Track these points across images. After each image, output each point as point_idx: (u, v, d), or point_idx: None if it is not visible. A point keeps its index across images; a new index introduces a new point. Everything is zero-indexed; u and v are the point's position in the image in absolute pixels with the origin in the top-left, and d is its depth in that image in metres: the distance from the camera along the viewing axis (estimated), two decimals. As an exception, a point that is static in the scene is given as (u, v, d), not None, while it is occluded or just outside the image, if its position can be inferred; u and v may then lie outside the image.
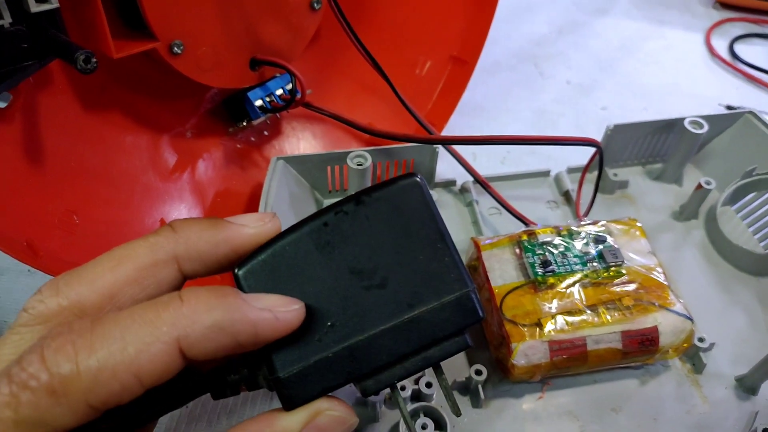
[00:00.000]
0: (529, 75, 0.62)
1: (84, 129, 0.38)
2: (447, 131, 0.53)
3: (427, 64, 0.52)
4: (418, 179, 0.22)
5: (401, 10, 0.50)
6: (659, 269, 0.41)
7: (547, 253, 0.41)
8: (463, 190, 0.49)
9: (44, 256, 0.32)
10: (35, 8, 0.30)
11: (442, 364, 0.23)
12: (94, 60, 0.31)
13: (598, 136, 0.48)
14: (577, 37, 0.67)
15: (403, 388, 0.37)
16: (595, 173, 0.47)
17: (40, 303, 0.19)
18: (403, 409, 0.23)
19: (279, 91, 0.44)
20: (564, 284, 0.40)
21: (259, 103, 0.43)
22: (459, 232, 0.47)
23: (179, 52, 0.38)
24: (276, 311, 0.20)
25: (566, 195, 0.49)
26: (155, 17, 0.36)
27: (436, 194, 0.48)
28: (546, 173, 0.51)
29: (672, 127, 0.49)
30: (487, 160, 0.49)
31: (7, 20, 0.29)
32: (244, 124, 0.46)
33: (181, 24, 0.37)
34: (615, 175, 0.49)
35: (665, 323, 0.39)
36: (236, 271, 0.21)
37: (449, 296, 0.22)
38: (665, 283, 0.40)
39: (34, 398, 0.17)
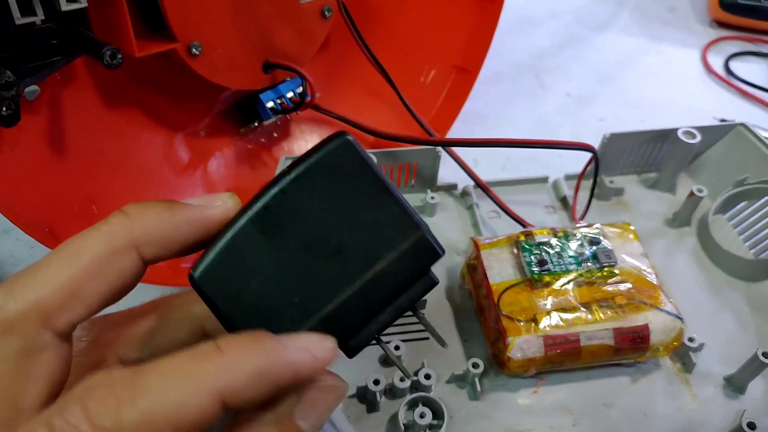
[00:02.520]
0: (530, 86, 0.64)
1: (104, 123, 0.40)
2: (447, 137, 0.55)
3: (431, 72, 0.54)
4: (348, 138, 0.22)
5: (408, 19, 0.53)
6: (651, 270, 0.42)
7: (543, 253, 0.42)
8: (464, 193, 0.51)
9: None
10: (66, 7, 0.32)
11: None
12: (120, 56, 0.33)
13: (596, 146, 0.50)
14: (577, 50, 0.69)
15: (402, 379, 0.39)
16: (591, 180, 0.49)
17: None
18: (392, 355, 0.24)
19: (290, 94, 0.46)
20: (559, 283, 0.41)
21: (270, 104, 0.45)
22: (459, 234, 0.49)
23: (197, 53, 0.39)
24: (313, 350, 0.20)
25: (563, 200, 0.51)
26: (176, 19, 0.38)
27: (437, 197, 0.50)
28: (544, 179, 0.52)
29: (666, 136, 0.50)
30: (487, 166, 0.51)
31: (40, 17, 0.31)
32: (255, 125, 0.48)
33: (200, 26, 0.39)
34: (611, 182, 0.51)
35: (656, 321, 0.40)
36: (193, 274, 0.21)
37: (405, 243, 0.22)
38: (656, 283, 0.42)
39: None
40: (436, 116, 0.54)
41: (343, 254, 0.22)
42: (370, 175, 0.22)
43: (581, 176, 0.49)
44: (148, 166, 0.42)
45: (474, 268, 0.44)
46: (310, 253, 0.22)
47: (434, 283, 0.23)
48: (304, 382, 0.21)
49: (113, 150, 0.40)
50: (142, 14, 0.39)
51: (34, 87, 0.34)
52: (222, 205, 0.22)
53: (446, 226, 0.50)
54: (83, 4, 0.33)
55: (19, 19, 0.31)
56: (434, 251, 0.23)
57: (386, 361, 0.41)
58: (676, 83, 0.66)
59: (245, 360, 0.19)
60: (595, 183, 0.47)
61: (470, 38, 0.53)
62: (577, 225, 0.44)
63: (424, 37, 0.53)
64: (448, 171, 0.50)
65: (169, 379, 0.18)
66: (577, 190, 0.49)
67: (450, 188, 0.51)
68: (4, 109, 0.30)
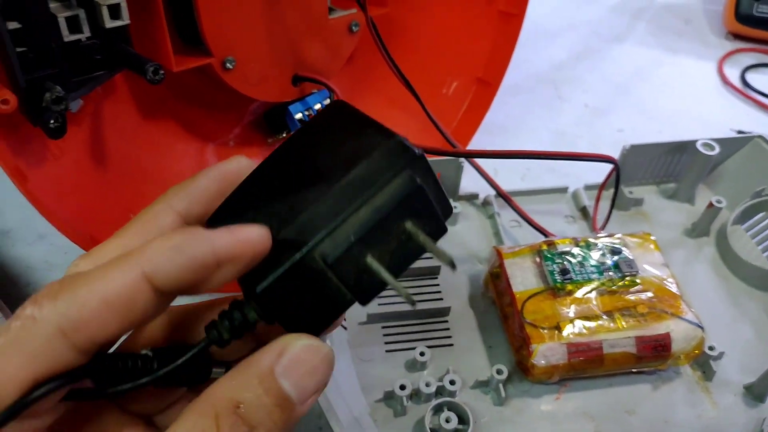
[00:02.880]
0: (549, 97, 0.65)
1: (141, 135, 0.41)
2: (470, 148, 0.56)
3: (453, 84, 0.55)
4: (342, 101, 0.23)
5: (431, 33, 0.54)
6: (672, 280, 0.43)
7: (565, 262, 0.43)
8: (486, 203, 0.52)
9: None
10: (109, 24, 0.34)
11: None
12: (162, 72, 0.34)
13: (615, 156, 0.51)
14: (594, 62, 0.70)
15: (428, 384, 0.40)
16: (611, 190, 0.50)
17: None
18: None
19: (317, 106, 0.47)
20: (581, 291, 0.42)
21: (299, 116, 0.47)
22: (481, 242, 0.50)
23: (231, 67, 0.41)
24: (235, 232, 0.20)
25: (583, 210, 0.52)
26: (212, 35, 0.39)
27: (459, 206, 0.51)
28: (564, 189, 0.53)
29: (685, 148, 0.51)
30: (508, 176, 0.52)
31: (86, 34, 0.33)
32: (284, 135, 0.49)
33: (234, 42, 0.40)
34: (630, 192, 0.52)
35: (677, 330, 0.41)
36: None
37: (379, 149, 0.21)
38: (677, 293, 0.43)
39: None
40: (457, 127, 0.56)
41: (322, 176, 0.22)
42: (358, 116, 0.23)
43: (602, 187, 0.50)
44: (181, 175, 0.44)
45: (497, 277, 0.45)
46: (292, 185, 0.22)
47: (414, 183, 0.21)
48: (236, 269, 0.20)
49: (149, 160, 0.41)
50: (178, 30, 0.40)
51: (78, 100, 0.36)
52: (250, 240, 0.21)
53: (468, 234, 0.51)
54: (126, 21, 0.34)
55: (68, 37, 0.32)
56: (408, 150, 0.22)
57: (413, 365, 0.42)
58: (692, 95, 0.67)
59: (166, 241, 0.20)
60: (615, 194, 0.48)
61: (492, 51, 0.54)
62: (599, 235, 0.45)
63: (447, 50, 0.54)
64: (469, 181, 0.51)
65: (99, 269, 0.19)
66: (597, 200, 0.50)
67: (472, 198, 0.52)
68: (52, 121, 0.32)
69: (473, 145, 0.56)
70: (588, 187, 0.53)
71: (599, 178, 0.51)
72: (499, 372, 0.40)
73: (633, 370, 0.42)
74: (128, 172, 0.40)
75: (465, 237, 0.50)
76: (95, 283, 0.19)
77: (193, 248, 0.20)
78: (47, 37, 0.31)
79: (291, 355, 0.21)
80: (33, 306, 0.19)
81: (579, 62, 0.70)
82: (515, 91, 0.56)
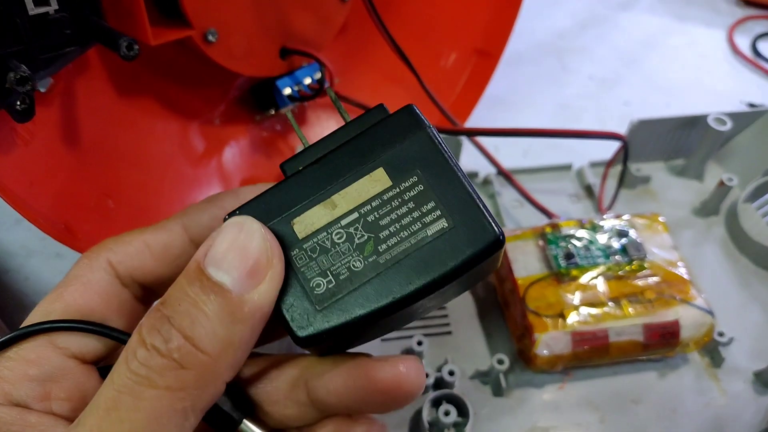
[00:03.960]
0: (552, 69, 0.62)
1: (118, 114, 0.38)
2: (470, 124, 0.53)
3: (452, 56, 0.52)
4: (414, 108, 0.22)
5: (428, 2, 0.51)
6: (681, 264, 0.41)
7: (570, 246, 0.41)
8: (486, 182, 0.50)
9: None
10: (79, -5, 0.31)
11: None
12: (137, 47, 0.31)
13: (621, 131, 0.48)
14: (600, 31, 0.67)
15: (427, 375, 0.38)
16: (617, 167, 0.48)
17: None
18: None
19: (307, 81, 0.44)
20: (586, 276, 0.40)
21: (287, 91, 0.44)
22: (482, 224, 0.48)
23: (213, 40, 0.38)
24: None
25: (588, 189, 0.50)
26: (192, 6, 0.36)
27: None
28: (568, 167, 0.51)
29: (695, 123, 0.49)
30: (509, 153, 0.50)
31: (53, 6, 0.30)
32: (272, 113, 0.46)
33: (216, 13, 0.37)
34: (638, 170, 0.50)
35: (686, 317, 0.39)
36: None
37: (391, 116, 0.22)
38: (687, 277, 0.41)
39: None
40: (456, 101, 0.53)
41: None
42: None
43: (609, 165, 0.48)
44: (163, 157, 0.41)
45: (498, 261, 0.42)
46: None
47: (418, 119, 0.22)
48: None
49: (128, 142, 0.39)
50: (155, 0, 0.37)
51: (47, 79, 0.33)
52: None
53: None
54: (96, -9, 0.32)
55: (33, 10, 0.29)
56: (420, 119, 0.22)
57: (409, 353, 0.40)
58: (701, 65, 0.64)
59: (204, 202, 0.24)
60: (623, 173, 0.46)
61: (492, 21, 0.51)
62: (605, 216, 0.43)
63: (445, 20, 0.51)
64: (469, 158, 0.49)
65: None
66: (604, 179, 0.48)
67: (471, 177, 0.50)
68: (18, 103, 0.29)
69: (473, 119, 0.54)
70: (593, 164, 0.51)
71: (604, 154, 0.49)
72: (500, 362, 0.39)
73: (640, 357, 0.41)
74: (104, 154, 0.37)
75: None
76: (141, 232, 0.23)
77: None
78: (10, 11, 0.28)
79: (217, 243, 0.19)
80: (89, 252, 0.23)
81: (584, 31, 0.67)
82: (517, 61, 0.54)
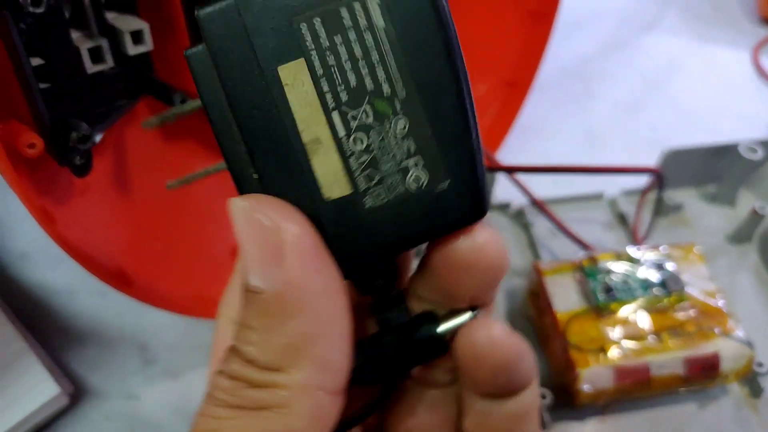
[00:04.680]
0: (578, 94, 0.63)
1: (163, 159, 0.39)
2: (499, 153, 0.54)
3: (482, 88, 0.53)
4: None
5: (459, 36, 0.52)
6: (719, 295, 0.42)
7: (608, 279, 0.42)
8: (518, 213, 0.50)
9: (137, 283, 0.34)
10: (133, 51, 0.32)
11: None
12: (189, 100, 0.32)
13: (649, 157, 0.49)
14: (623, 54, 0.68)
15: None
16: (649, 197, 0.48)
17: None
18: None
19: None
20: (626, 310, 0.41)
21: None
22: (516, 256, 0.48)
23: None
24: None
25: (621, 217, 0.50)
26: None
27: (492, 217, 0.49)
28: (599, 196, 0.52)
29: (726, 151, 0.49)
30: (539, 181, 0.50)
31: (110, 64, 0.31)
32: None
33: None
34: (669, 198, 0.50)
35: (725, 349, 0.39)
36: None
37: None
38: (725, 309, 0.41)
39: None
40: (486, 133, 0.54)
41: None
42: None
43: (644, 194, 0.48)
44: (205, 198, 0.42)
45: (537, 295, 0.43)
46: None
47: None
48: None
49: (174, 185, 0.40)
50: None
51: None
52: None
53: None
54: (149, 47, 0.33)
55: (91, 68, 0.30)
56: None
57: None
58: (726, 87, 0.64)
59: None
60: (658, 204, 0.46)
61: (521, 53, 0.52)
62: (641, 248, 0.43)
63: (474, 53, 0.52)
64: (500, 189, 0.50)
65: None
66: (639, 209, 0.48)
67: (503, 207, 0.51)
68: (78, 159, 0.30)
69: (502, 147, 0.54)
70: (626, 193, 0.51)
71: (635, 181, 0.50)
72: (542, 397, 0.39)
73: (680, 389, 0.41)
74: (152, 199, 0.38)
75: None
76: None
77: None
78: (71, 71, 0.29)
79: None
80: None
81: (608, 55, 0.67)
82: (543, 87, 0.54)
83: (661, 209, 0.49)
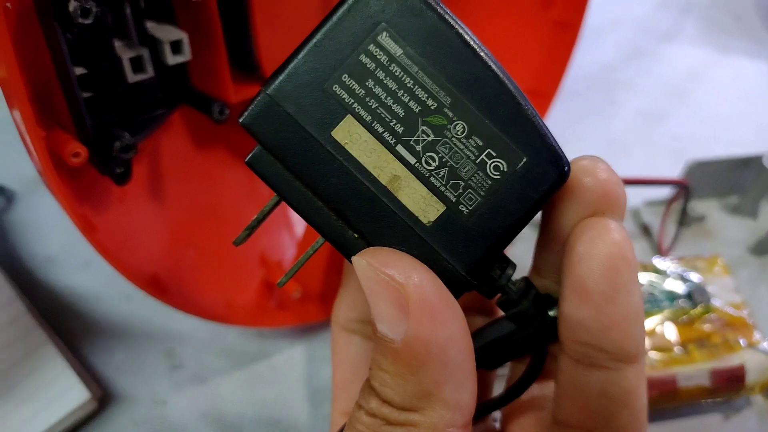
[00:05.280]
0: (600, 103, 0.63)
1: (195, 167, 0.40)
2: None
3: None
4: None
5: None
6: (744, 307, 0.42)
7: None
8: (542, 221, 0.51)
9: (172, 290, 0.34)
10: (172, 61, 0.32)
11: None
12: (228, 111, 0.33)
13: (671, 166, 0.49)
14: (644, 63, 0.68)
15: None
16: (673, 208, 0.48)
17: None
18: None
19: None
20: (652, 321, 0.41)
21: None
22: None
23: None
24: None
25: (644, 228, 0.50)
26: (270, 62, 0.37)
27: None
28: (622, 205, 0.52)
29: (749, 163, 0.49)
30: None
31: (150, 74, 0.31)
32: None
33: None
34: (692, 209, 0.50)
35: (751, 361, 0.40)
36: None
37: None
38: (750, 321, 0.41)
39: None
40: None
41: None
42: None
43: (669, 206, 0.48)
44: (234, 205, 0.42)
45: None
46: None
47: None
48: None
49: (203, 192, 0.40)
50: (230, 55, 0.38)
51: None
52: None
53: (528, 257, 0.49)
54: (188, 57, 0.33)
55: (132, 78, 0.31)
56: None
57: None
58: (746, 97, 0.65)
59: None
60: (683, 216, 0.46)
61: (546, 62, 0.52)
62: (667, 259, 0.43)
63: (500, 62, 0.52)
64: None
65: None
66: (664, 220, 0.48)
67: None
68: (118, 168, 0.30)
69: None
70: (649, 204, 0.51)
71: (657, 191, 0.50)
72: (568, 407, 0.39)
73: (705, 400, 0.41)
74: (184, 206, 0.38)
75: (523, 260, 0.49)
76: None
77: None
78: (113, 80, 0.30)
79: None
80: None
81: (629, 64, 0.67)
82: (565, 96, 0.54)
83: (684, 220, 0.49)
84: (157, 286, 0.34)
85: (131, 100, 0.31)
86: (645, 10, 0.74)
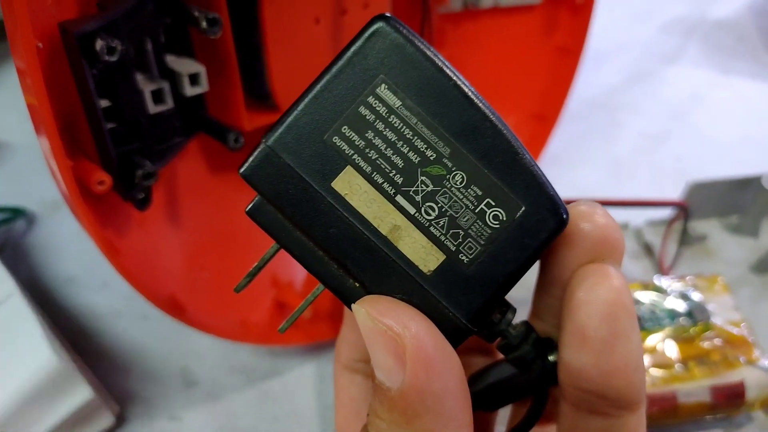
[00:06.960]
0: (603, 124, 0.64)
1: (210, 191, 0.41)
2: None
3: (509, 120, 0.55)
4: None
5: (486, 70, 0.54)
6: (744, 325, 0.43)
7: (636, 309, 0.43)
8: (547, 241, 0.52)
9: (190, 310, 0.36)
10: (190, 92, 0.34)
11: None
12: (242, 140, 0.34)
13: (674, 186, 0.51)
14: (647, 86, 0.69)
15: None
16: (673, 228, 0.49)
17: None
18: None
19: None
20: (653, 339, 0.42)
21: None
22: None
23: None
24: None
25: (646, 247, 0.51)
26: (282, 91, 0.39)
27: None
28: (625, 226, 0.53)
29: (749, 183, 0.50)
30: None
31: (170, 105, 0.33)
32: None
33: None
34: (693, 229, 0.51)
35: (751, 378, 0.40)
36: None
37: None
38: (750, 339, 0.42)
39: None
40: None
41: None
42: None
43: (670, 225, 0.49)
44: (247, 228, 0.44)
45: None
46: None
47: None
48: None
49: (217, 215, 0.42)
50: (243, 84, 0.40)
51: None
52: None
53: (530, 277, 0.50)
54: (205, 88, 0.35)
55: (153, 109, 0.33)
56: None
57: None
58: (749, 118, 0.66)
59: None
60: (683, 236, 0.47)
61: (548, 87, 0.54)
62: (668, 278, 0.45)
63: (502, 87, 0.54)
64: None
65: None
66: (665, 239, 0.49)
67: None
68: (140, 194, 0.32)
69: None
70: (651, 223, 0.52)
71: (659, 211, 0.51)
72: (572, 423, 0.40)
73: (705, 417, 0.42)
74: (199, 230, 0.40)
75: (526, 280, 0.50)
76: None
77: None
78: (135, 112, 0.32)
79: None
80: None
81: (632, 86, 0.69)
82: (569, 118, 0.56)
83: (685, 240, 0.50)
84: (175, 306, 0.36)
85: (152, 130, 0.33)
86: (648, 34, 0.76)
